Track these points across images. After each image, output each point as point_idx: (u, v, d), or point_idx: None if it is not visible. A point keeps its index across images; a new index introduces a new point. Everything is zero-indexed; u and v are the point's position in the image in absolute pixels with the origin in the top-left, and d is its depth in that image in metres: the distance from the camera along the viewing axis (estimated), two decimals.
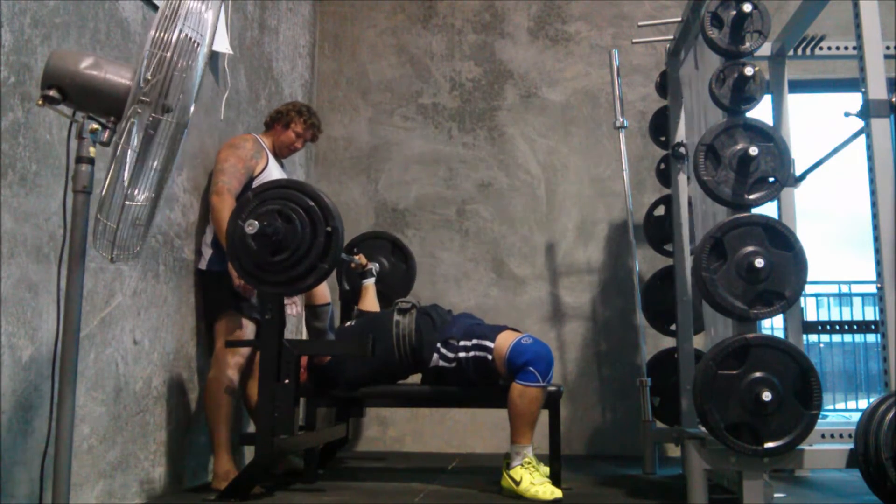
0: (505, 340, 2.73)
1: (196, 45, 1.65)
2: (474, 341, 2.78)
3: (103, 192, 1.65)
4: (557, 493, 2.56)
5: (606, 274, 4.21)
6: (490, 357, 2.73)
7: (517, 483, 2.61)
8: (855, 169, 2.51)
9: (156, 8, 2.55)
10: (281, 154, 3.15)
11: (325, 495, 2.63)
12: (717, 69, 2.31)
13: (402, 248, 3.53)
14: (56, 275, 1.73)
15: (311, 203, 2.40)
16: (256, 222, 2.33)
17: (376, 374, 2.91)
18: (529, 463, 2.63)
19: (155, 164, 1.68)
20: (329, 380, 2.97)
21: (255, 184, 2.89)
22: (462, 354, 2.76)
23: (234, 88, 3.31)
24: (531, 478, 2.60)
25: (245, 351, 2.82)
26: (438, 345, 2.80)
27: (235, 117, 3.34)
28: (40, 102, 1.59)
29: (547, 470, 2.71)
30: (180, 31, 1.62)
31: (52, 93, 1.58)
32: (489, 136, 4.41)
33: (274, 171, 2.99)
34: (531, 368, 2.64)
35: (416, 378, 3.00)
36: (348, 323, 3.14)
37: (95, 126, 1.60)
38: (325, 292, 3.11)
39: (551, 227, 4.30)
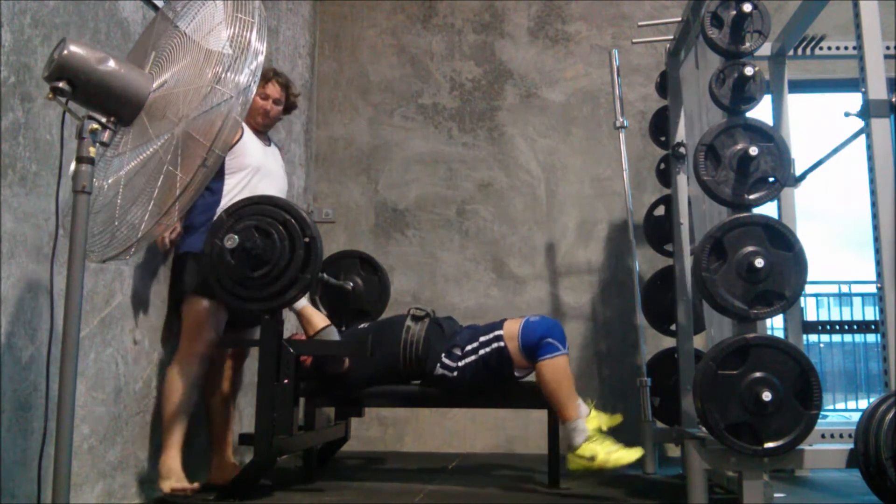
0: (513, 325, 2.75)
1: (251, 87, 1.66)
2: (481, 339, 2.77)
3: (126, 208, 1.66)
4: (639, 451, 2.54)
5: (606, 274, 4.21)
6: (503, 344, 2.71)
7: (592, 459, 2.52)
8: (855, 169, 2.51)
9: (156, 8, 2.55)
10: (257, 124, 2.90)
11: (325, 495, 2.63)
12: (717, 69, 2.31)
13: (370, 261, 3.52)
14: (52, 274, 1.73)
15: (287, 216, 2.39)
16: (236, 237, 2.32)
17: (380, 377, 2.91)
18: (592, 436, 2.56)
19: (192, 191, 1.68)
20: (334, 382, 2.98)
21: (231, 155, 2.68)
22: (470, 359, 2.75)
23: None
24: (604, 448, 2.53)
25: (212, 339, 2.59)
26: (443, 355, 2.80)
27: None
28: (50, 96, 1.58)
29: (616, 419, 2.66)
30: (247, 74, 1.63)
31: (62, 84, 1.57)
32: (489, 136, 4.41)
33: (249, 143, 2.81)
34: (549, 340, 2.64)
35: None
36: (361, 325, 3.14)
37: (96, 126, 1.60)
38: (321, 317, 2.92)
39: (551, 227, 4.30)
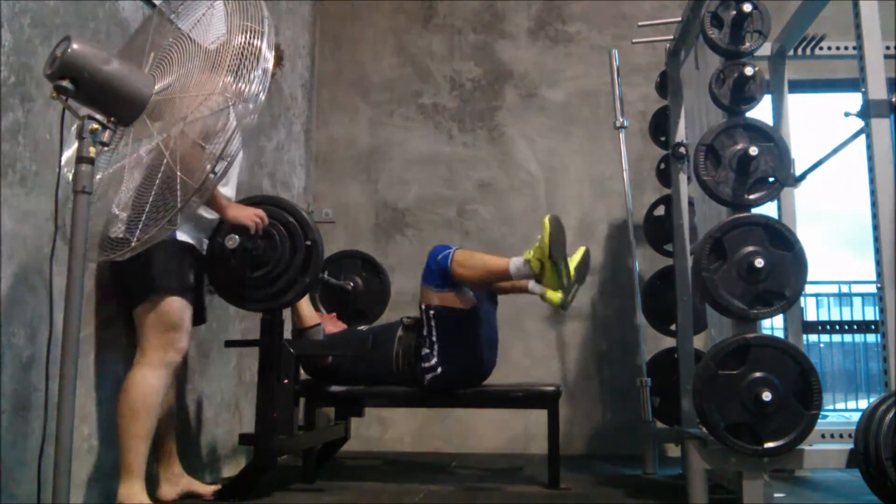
0: (421, 291, 2.83)
1: (260, 96, 1.66)
2: (424, 332, 2.80)
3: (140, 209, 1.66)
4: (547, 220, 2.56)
5: (606, 274, 4.21)
6: (432, 312, 2.77)
7: (541, 264, 2.59)
8: (855, 169, 2.51)
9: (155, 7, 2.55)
10: None
11: (325, 495, 2.63)
12: (717, 69, 2.31)
13: (372, 263, 3.52)
14: (51, 274, 1.72)
15: (290, 218, 2.39)
16: (237, 237, 2.31)
17: (375, 379, 2.93)
18: (529, 255, 2.62)
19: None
20: (328, 378, 2.99)
21: None
22: (435, 349, 2.77)
23: None
24: (538, 248, 2.59)
25: (186, 345, 2.30)
26: (421, 363, 2.81)
27: None
28: (53, 94, 1.58)
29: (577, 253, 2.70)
30: (256, 83, 1.63)
31: (65, 83, 1.56)
32: (489, 136, 4.41)
33: None
34: (438, 258, 2.75)
35: None
36: (361, 327, 3.16)
37: (96, 126, 1.60)
38: (312, 314, 3.03)
39: None
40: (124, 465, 2.13)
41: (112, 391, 2.32)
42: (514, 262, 2.65)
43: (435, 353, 2.78)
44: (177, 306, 2.24)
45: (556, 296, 2.57)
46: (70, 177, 1.70)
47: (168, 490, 2.43)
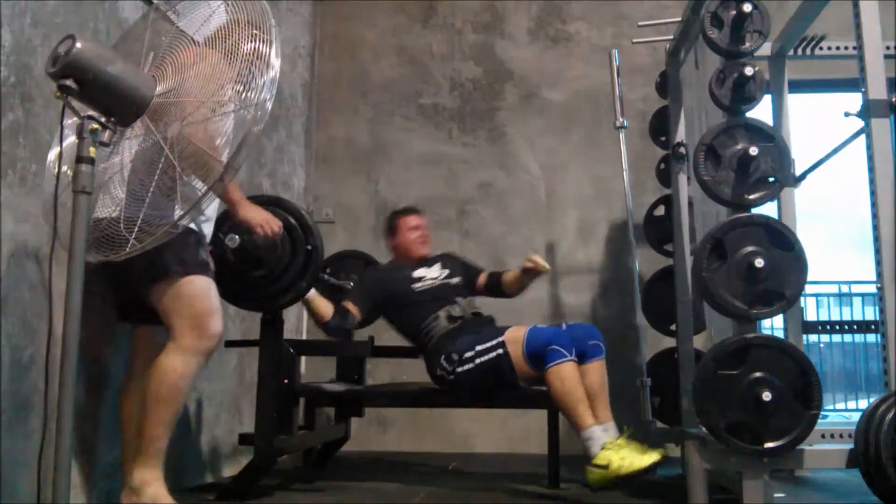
0: (517, 331, 2.71)
1: (267, 105, 1.65)
2: (478, 349, 2.74)
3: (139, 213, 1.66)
4: (654, 456, 2.37)
5: (606, 274, 4.21)
6: (502, 352, 2.67)
7: (606, 467, 2.36)
8: (855, 169, 2.51)
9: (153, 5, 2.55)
10: None
11: (325, 495, 2.63)
12: (717, 69, 2.31)
13: (372, 263, 3.52)
14: (50, 274, 1.72)
15: (293, 221, 2.39)
16: (237, 237, 2.30)
17: (400, 326, 3.03)
18: (609, 445, 2.41)
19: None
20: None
21: None
22: (467, 367, 2.74)
23: None
24: (619, 455, 2.36)
25: (221, 332, 2.09)
26: (442, 357, 2.80)
27: None
28: (57, 94, 1.57)
29: (652, 455, 2.41)
30: (266, 91, 1.63)
31: (69, 82, 1.56)
32: (489, 136, 4.41)
33: None
34: (554, 346, 2.58)
35: (415, 377, 3.00)
36: (422, 282, 3.05)
37: (95, 126, 1.60)
38: (327, 307, 2.95)
39: (551, 227, 4.29)
40: (143, 449, 2.00)
41: (113, 391, 2.32)
42: (594, 435, 2.45)
43: (462, 370, 2.74)
44: (199, 284, 2.01)
45: (592, 476, 2.41)
46: (57, 173, 1.71)
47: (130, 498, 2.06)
